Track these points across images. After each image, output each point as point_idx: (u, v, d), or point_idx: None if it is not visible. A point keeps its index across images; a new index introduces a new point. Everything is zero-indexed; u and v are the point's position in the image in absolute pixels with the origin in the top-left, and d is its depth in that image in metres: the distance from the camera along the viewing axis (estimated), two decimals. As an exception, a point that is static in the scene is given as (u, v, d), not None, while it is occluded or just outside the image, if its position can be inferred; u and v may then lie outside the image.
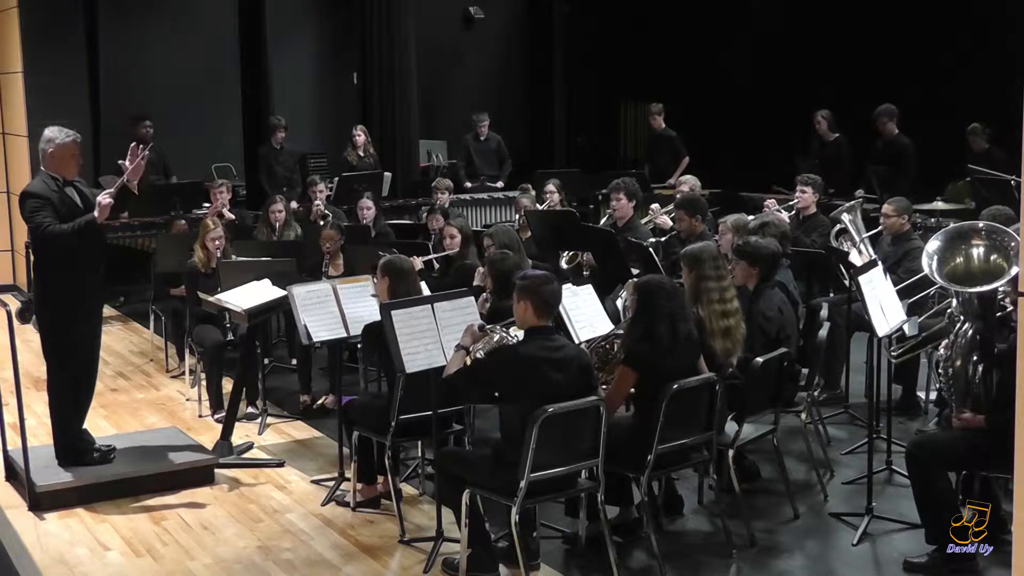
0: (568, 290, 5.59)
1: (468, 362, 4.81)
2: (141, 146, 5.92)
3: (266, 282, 6.67)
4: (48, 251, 5.79)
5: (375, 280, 5.82)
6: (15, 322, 6.47)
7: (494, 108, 13.00)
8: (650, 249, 7.17)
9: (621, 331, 5.47)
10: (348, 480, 5.78)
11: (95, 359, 6.18)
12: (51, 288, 5.85)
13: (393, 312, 5.04)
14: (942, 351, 5.04)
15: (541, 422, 4.41)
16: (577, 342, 5.51)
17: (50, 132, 5.94)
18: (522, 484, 4.47)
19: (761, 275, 5.77)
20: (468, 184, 12.20)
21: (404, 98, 12.85)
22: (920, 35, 10.98)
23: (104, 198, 5.70)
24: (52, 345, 5.93)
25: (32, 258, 5.99)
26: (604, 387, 5.08)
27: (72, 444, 6.01)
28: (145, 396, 7.91)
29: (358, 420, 5.62)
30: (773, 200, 8.74)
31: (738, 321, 5.41)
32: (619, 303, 6.48)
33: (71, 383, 6.01)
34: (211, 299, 6.74)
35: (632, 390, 5.00)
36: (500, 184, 12.21)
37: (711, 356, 5.25)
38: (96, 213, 5.70)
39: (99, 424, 7.21)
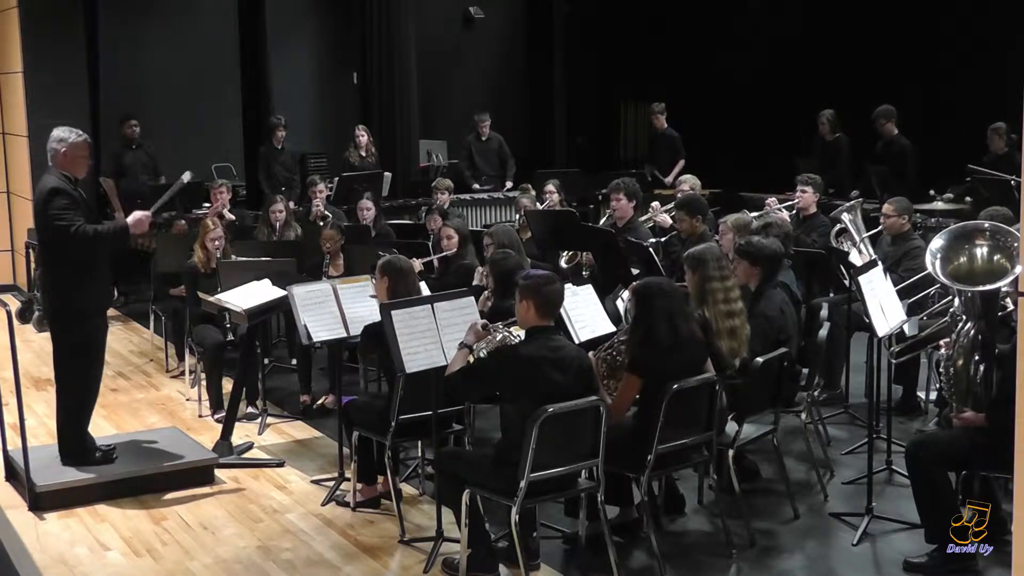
0: (568, 290, 5.59)
1: (471, 360, 4.81)
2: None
3: (266, 282, 6.67)
4: (73, 251, 5.75)
5: (374, 280, 5.82)
6: (15, 322, 6.48)
7: (494, 108, 13.00)
8: (650, 249, 7.17)
9: (624, 337, 5.46)
10: (348, 480, 5.78)
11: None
12: (74, 287, 5.83)
13: (393, 312, 5.04)
14: (943, 351, 5.04)
15: (541, 422, 4.41)
16: (577, 342, 5.50)
17: (61, 132, 5.96)
18: (522, 484, 4.47)
19: (763, 275, 5.77)
20: (476, 186, 12.17)
21: (404, 98, 12.86)
22: (920, 35, 10.99)
23: (144, 214, 5.84)
24: (74, 346, 5.91)
25: (46, 257, 5.94)
26: (613, 395, 5.07)
27: (81, 445, 6.01)
28: (145, 396, 7.90)
29: (358, 420, 5.62)
30: (774, 199, 8.74)
31: (743, 321, 5.41)
32: (619, 303, 6.48)
33: (93, 384, 6.03)
34: (211, 299, 6.74)
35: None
36: (509, 184, 12.16)
37: (718, 356, 5.25)
38: (131, 222, 5.81)
39: (99, 424, 7.19)
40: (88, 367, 5.99)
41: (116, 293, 6.34)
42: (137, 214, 5.85)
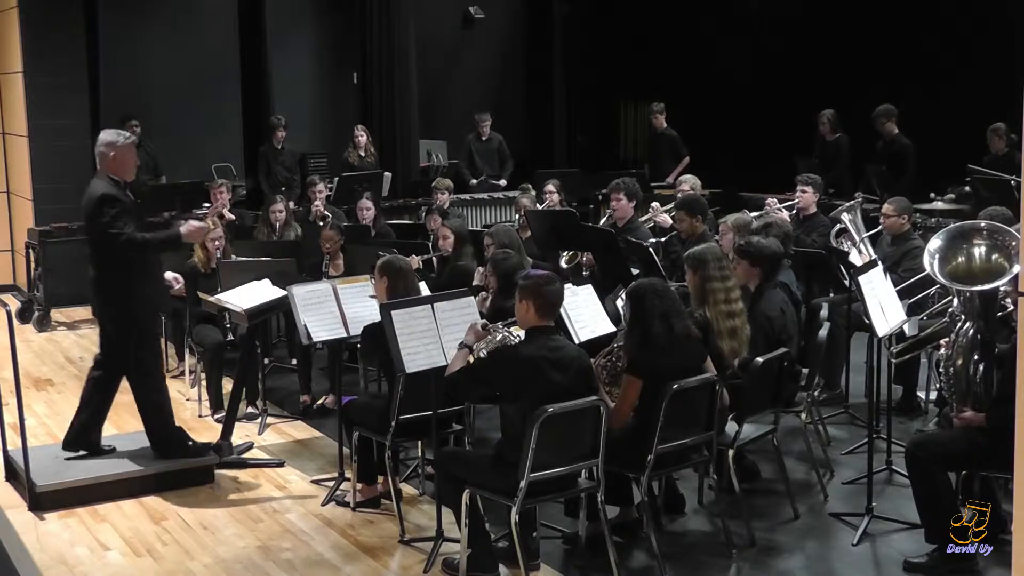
0: (568, 290, 5.59)
1: (471, 361, 4.81)
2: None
3: (266, 282, 6.68)
4: (123, 256, 5.80)
5: (374, 280, 5.82)
6: (15, 322, 6.48)
7: (494, 108, 13.01)
8: (650, 249, 7.17)
9: (622, 342, 5.46)
10: (348, 480, 5.78)
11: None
12: (125, 291, 5.85)
13: (393, 312, 5.04)
14: (943, 350, 5.04)
15: (541, 422, 4.41)
16: (577, 342, 5.50)
17: (109, 136, 6.00)
18: (522, 484, 4.47)
19: (763, 275, 5.77)
20: (473, 182, 12.20)
21: (404, 98, 12.87)
22: (920, 35, 10.99)
23: (199, 224, 6.00)
24: (130, 347, 5.97)
25: (96, 262, 5.93)
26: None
27: (172, 436, 6.11)
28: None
29: (358, 420, 5.62)
30: (774, 199, 8.75)
31: (743, 321, 5.42)
32: (619, 303, 6.48)
33: (160, 379, 6.17)
34: (211, 299, 6.74)
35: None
36: (503, 183, 12.21)
37: (719, 357, 5.25)
38: (184, 231, 5.92)
39: (99, 424, 7.22)
40: (153, 364, 6.11)
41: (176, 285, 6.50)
42: (192, 224, 5.97)
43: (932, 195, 9.18)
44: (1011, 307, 4.96)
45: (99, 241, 5.83)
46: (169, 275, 6.36)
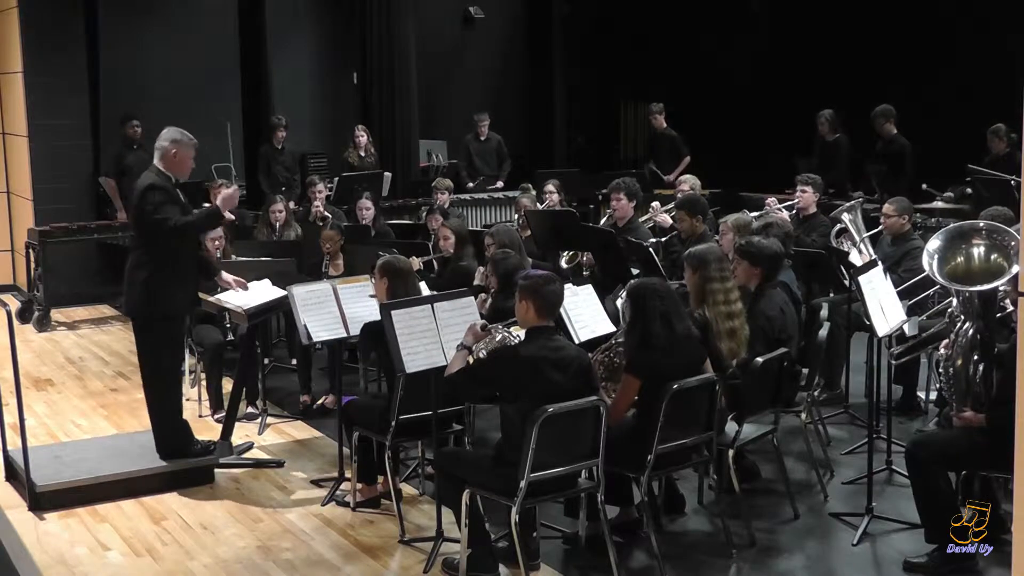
0: (568, 290, 5.59)
1: (470, 361, 4.81)
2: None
3: (266, 282, 6.68)
4: (164, 248, 5.83)
5: (374, 281, 5.82)
6: (15, 322, 6.47)
7: (494, 108, 13.01)
8: (650, 250, 7.17)
9: (621, 339, 5.47)
10: (348, 480, 5.78)
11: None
12: (159, 289, 5.86)
13: (393, 312, 5.04)
14: (942, 351, 5.04)
15: (541, 422, 4.41)
16: (577, 342, 5.50)
17: (173, 133, 6.07)
18: (522, 484, 4.47)
19: (764, 275, 5.77)
20: (470, 184, 12.22)
21: (404, 98, 12.87)
22: (920, 35, 10.99)
23: (231, 189, 6.03)
24: (156, 346, 5.98)
25: (135, 257, 5.95)
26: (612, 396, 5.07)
27: (180, 439, 6.09)
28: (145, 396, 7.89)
29: (358, 420, 5.62)
30: (774, 199, 8.75)
31: (742, 322, 5.42)
32: (619, 303, 6.48)
33: (175, 382, 6.19)
34: (211, 299, 6.74)
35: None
36: (500, 184, 12.24)
37: (718, 357, 5.25)
38: (220, 203, 5.94)
39: (99, 424, 7.22)
40: (173, 364, 6.13)
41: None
42: (225, 192, 5.97)
43: (924, 186, 9.18)
44: (1011, 307, 4.96)
45: (144, 232, 5.85)
46: (228, 276, 6.36)
